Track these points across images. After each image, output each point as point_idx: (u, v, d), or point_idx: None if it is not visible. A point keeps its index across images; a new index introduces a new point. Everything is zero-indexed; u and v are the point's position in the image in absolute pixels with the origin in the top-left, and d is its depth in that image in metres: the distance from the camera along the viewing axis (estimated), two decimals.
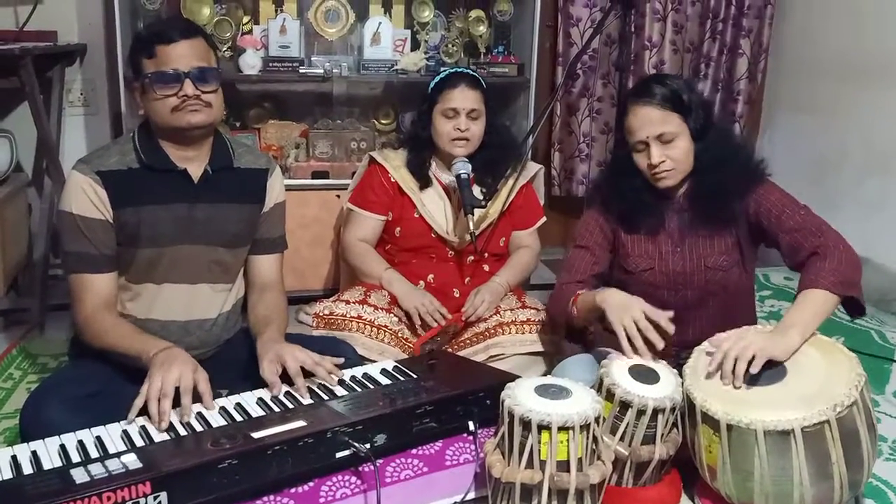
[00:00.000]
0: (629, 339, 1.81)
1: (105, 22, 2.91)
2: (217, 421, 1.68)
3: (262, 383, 1.85)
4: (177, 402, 1.68)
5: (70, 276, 1.91)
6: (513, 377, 1.76)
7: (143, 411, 1.67)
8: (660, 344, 1.80)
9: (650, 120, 1.95)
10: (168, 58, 1.82)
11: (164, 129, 1.89)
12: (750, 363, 1.68)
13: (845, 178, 3.49)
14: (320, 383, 1.84)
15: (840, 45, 3.53)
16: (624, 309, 1.84)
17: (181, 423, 1.66)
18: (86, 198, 1.85)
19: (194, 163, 1.93)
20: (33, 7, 2.98)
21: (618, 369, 1.76)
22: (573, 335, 2.12)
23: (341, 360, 1.91)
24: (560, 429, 1.51)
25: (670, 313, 1.84)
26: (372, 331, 2.29)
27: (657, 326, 1.82)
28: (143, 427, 1.65)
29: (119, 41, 2.86)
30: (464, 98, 2.46)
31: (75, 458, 1.54)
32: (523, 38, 3.33)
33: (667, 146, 1.96)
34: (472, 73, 2.59)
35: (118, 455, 1.52)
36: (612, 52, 3.68)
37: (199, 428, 1.65)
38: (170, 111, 1.84)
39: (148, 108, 1.88)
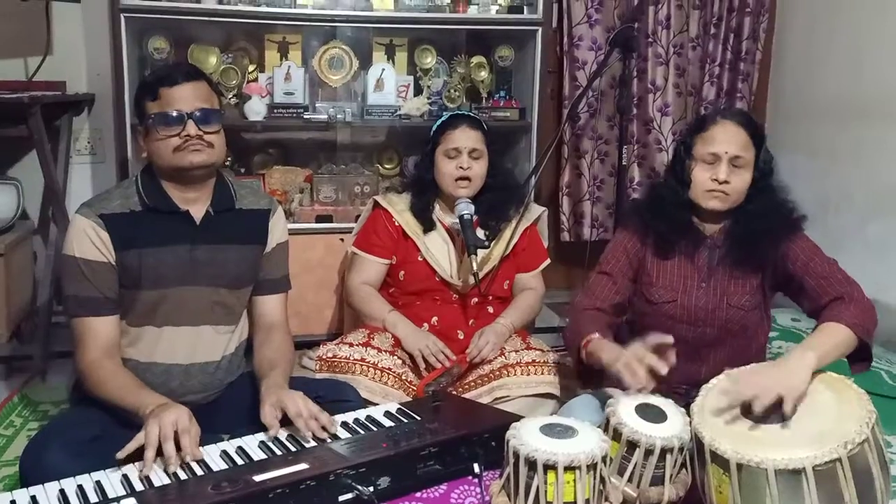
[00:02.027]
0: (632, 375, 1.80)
1: (113, 72, 2.95)
2: (218, 464, 1.67)
3: (264, 428, 1.83)
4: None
5: (72, 321, 1.91)
6: (518, 418, 1.74)
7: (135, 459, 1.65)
8: (662, 369, 1.77)
9: (736, 139, 1.98)
10: (171, 99, 1.85)
11: (167, 170, 1.90)
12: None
13: (849, 219, 3.49)
14: (322, 426, 1.81)
15: (839, 86, 3.56)
16: (622, 359, 1.83)
17: (181, 466, 1.64)
18: (88, 241, 1.87)
19: (196, 204, 1.95)
20: (43, 58, 3.03)
21: (624, 408, 1.74)
22: (584, 374, 2.09)
23: (337, 425, 1.86)
24: (566, 468, 1.48)
25: (669, 338, 1.83)
26: (375, 373, 2.27)
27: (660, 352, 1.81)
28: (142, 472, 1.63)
29: (127, 91, 2.90)
30: (465, 137, 2.48)
31: (74, 502, 1.52)
32: (524, 82, 3.37)
33: (735, 171, 1.98)
34: (473, 114, 2.62)
35: (117, 500, 1.51)
36: (616, 94, 3.71)
37: (199, 471, 1.63)
38: (172, 151, 1.86)
39: (151, 149, 1.90)
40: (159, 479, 1.60)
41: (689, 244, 2.07)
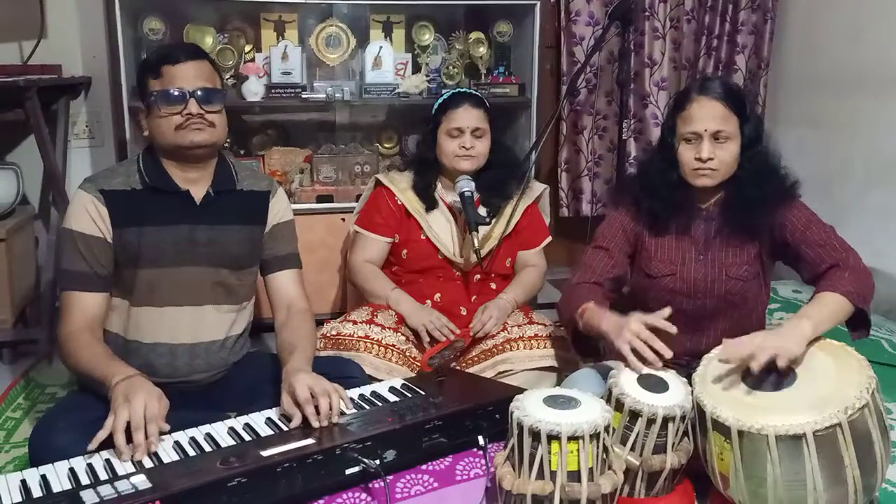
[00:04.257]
0: (637, 355, 1.80)
1: (109, 54, 2.94)
2: (226, 440, 1.69)
3: (269, 406, 1.86)
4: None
5: (62, 293, 1.92)
6: (522, 391, 1.76)
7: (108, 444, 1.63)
8: (667, 353, 1.79)
9: (713, 114, 1.95)
10: (174, 77, 1.85)
11: (168, 148, 1.91)
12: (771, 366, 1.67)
13: (850, 190, 3.49)
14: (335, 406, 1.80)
15: (840, 58, 3.54)
16: (622, 328, 1.83)
17: (149, 454, 1.61)
18: (87, 215, 1.88)
19: (197, 184, 1.95)
20: (37, 41, 3.01)
21: (626, 379, 1.75)
22: (580, 346, 2.11)
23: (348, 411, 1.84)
24: (570, 438, 1.50)
25: (667, 311, 1.84)
26: (380, 350, 2.28)
27: (660, 334, 1.81)
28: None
29: (123, 73, 2.90)
30: (468, 117, 2.48)
31: (85, 480, 1.54)
32: (523, 58, 3.35)
33: (719, 145, 1.96)
34: (474, 92, 2.62)
35: (127, 476, 1.52)
36: (615, 69, 3.70)
37: (207, 447, 1.65)
38: (174, 129, 1.86)
39: (152, 127, 1.90)
40: (168, 455, 1.62)
41: (684, 218, 2.07)
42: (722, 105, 1.95)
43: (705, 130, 1.95)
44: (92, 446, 1.62)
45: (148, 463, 1.59)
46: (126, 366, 1.79)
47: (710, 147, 1.95)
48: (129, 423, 1.61)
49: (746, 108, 1.99)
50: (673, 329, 1.81)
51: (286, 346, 1.95)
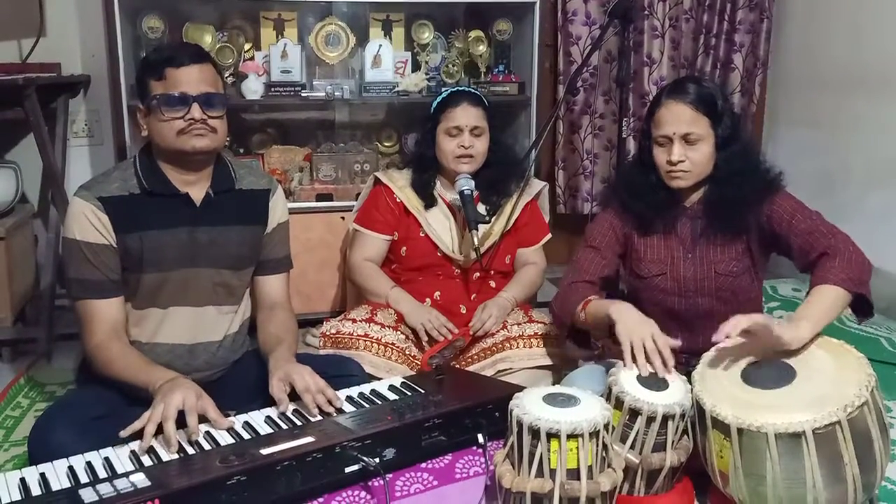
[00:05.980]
0: (633, 354, 1.80)
1: (108, 53, 2.94)
2: (225, 439, 1.69)
3: (269, 404, 1.85)
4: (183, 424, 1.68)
5: (76, 304, 1.90)
6: (521, 389, 1.76)
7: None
8: (661, 371, 1.78)
9: (681, 118, 1.96)
10: (177, 81, 1.83)
11: (167, 152, 1.89)
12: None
13: (850, 189, 3.49)
14: (328, 400, 1.83)
15: (839, 57, 3.54)
16: (635, 329, 1.83)
17: (189, 442, 1.66)
18: (88, 224, 1.86)
19: (196, 186, 1.94)
20: (36, 39, 3.01)
21: (626, 377, 1.75)
22: (575, 338, 2.11)
23: (342, 400, 1.87)
24: (569, 436, 1.50)
25: (677, 343, 1.84)
26: (379, 349, 2.29)
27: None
28: (151, 447, 1.65)
29: (122, 71, 2.89)
30: (466, 116, 2.48)
31: (84, 478, 1.54)
32: (523, 56, 3.35)
33: (690, 147, 1.97)
34: (473, 91, 2.62)
35: (126, 475, 1.53)
36: (612, 68, 3.70)
37: (207, 446, 1.65)
38: (175, 134, 1.84)
39: (152, 129, 1.88)
40: (168, 453, 1.62)
41: (669, 218, 2.07)
42: (690, 108, 1.96)
43: (674, 133, 1.96)
44: (124, 434, 1.65)
45: (147, 461, 1.59)
46: (166, 370, 1.81)
47: (680, 150, 1.97)
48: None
49: (718, 108, 1.99)
50: (671, 361, 1.81)
51: (272, 337, 1.99)
